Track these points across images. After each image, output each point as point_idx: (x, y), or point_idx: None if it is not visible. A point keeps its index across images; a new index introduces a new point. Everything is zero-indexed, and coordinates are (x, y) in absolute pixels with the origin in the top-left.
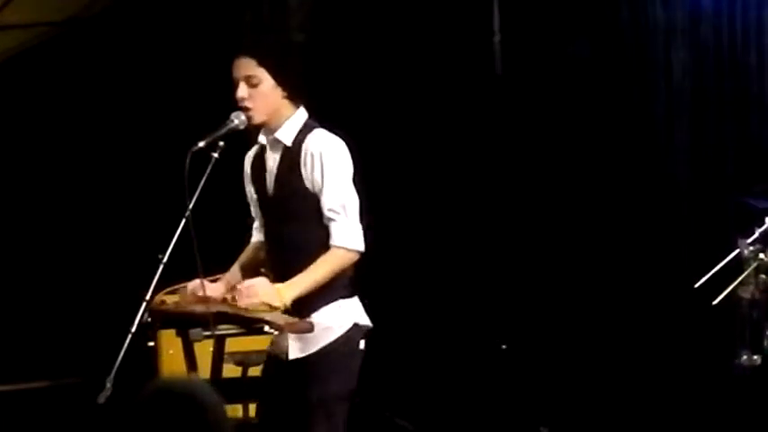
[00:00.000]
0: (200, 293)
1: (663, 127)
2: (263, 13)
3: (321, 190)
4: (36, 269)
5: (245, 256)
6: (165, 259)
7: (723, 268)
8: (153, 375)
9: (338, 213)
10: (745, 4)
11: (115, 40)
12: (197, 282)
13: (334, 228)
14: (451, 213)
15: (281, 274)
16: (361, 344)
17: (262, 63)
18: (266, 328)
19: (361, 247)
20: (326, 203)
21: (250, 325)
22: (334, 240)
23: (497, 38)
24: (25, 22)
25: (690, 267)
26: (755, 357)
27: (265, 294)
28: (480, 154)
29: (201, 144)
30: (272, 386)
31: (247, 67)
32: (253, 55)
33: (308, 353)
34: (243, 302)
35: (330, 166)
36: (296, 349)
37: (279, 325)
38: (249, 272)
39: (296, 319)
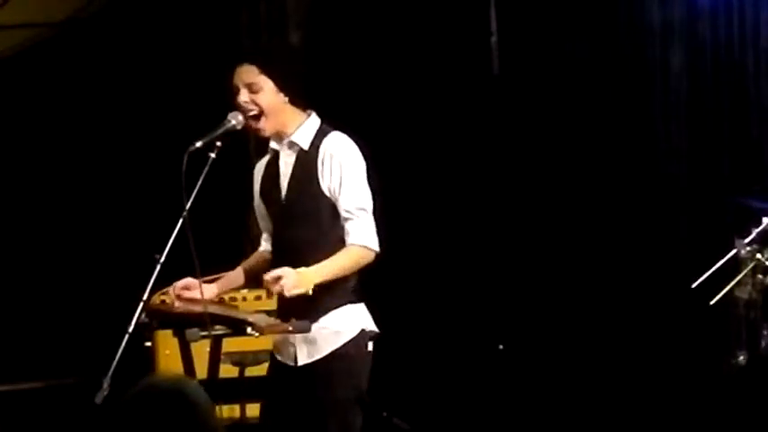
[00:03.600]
0: (190, 292)
1: (660, 127)
2: (260, 12)
3: (339, 192)
4: (33, 269)
5: (248, 261)
6: (161, 259)
7: (720, 268)
8: None
9: (355, 214)
10: (742, 5)
11: (114, 39)
12: (187, 280)
13: (351, 227)
14: (448, 214)
15: None
16: (369, 345)
17: (264, 70)
18: (249, 330)
19: (377, 247)
20: (344, 204)
21: (236, 326)
22: (352, 239)
23: (494, 38)
24: (25, 21)
25: (687, 267)
26: (751, 357)
27: (290, 284)
28: (477, 154)
29: (199, 144)
30: (280, 392)
31: (249, 74)
32: (254, 62)
33: (316, 358)
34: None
35: (348, 169)
36: (304, 355)
37: (260, 327)
38: (250, 278)
39: (278, 322)
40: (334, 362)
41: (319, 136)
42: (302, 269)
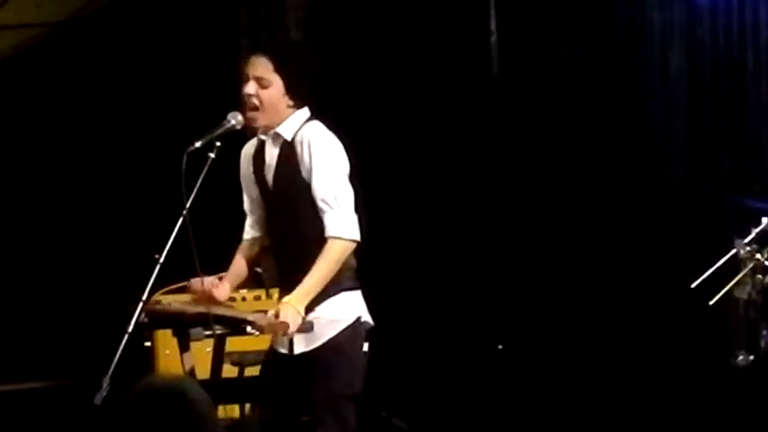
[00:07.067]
0: (207, 290)
1: (659, 127)
2: (259, 11)
3: (311, 180)
4: (33, 269)
5: (239, 256)
6: (161, 259)
7: (720, 268)
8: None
9: (329, 204)
10: (742, 5)
11: (114, 39)
12: (205, 278)
13: (327, 219)
14: (448, 213)
15: (285, 266)
16: (365, 346)
17: (277, 68)
18: (249, 329)
19: (357, 236)
20: (318, 194)
21: (235, 325)
22: (328, 231)
23: (494, 38)
24: (25, 22)
25: (687, 267)
26: (751, 357)
27: (293, 321)
28: (477, 154)
29: (198, 144)
30: (274, 382)
31: (262, 68)
32: (271, 58)
33: (313, 346)
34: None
35: (319, 154)
36: (301, 343)
37: (261, 326)
38: (249, 270)
39: (277, 321)
40: (330, 352)
41: (302, 127)
42: (287, 299)
